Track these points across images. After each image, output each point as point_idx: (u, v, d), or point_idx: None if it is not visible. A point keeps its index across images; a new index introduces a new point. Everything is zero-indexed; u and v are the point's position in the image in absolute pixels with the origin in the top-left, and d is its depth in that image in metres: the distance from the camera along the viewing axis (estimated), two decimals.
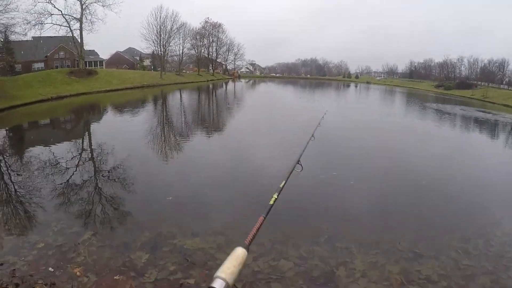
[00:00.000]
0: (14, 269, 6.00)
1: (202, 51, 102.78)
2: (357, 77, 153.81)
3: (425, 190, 11.32)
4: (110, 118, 29.99)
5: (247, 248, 1.89)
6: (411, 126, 27.98)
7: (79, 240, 7.11)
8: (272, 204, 2.45)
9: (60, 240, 7.10)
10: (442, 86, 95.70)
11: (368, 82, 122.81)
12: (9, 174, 12.37)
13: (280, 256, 6.74)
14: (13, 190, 10.59)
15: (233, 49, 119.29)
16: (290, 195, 10.55)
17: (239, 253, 1.81)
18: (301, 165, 3.69)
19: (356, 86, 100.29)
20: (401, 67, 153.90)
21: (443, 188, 11.71)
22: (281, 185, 3.03)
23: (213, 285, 1.56)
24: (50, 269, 6.03)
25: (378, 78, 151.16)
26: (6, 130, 23.62)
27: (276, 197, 2.64)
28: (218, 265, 5.45)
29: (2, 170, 13.14)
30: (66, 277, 5.78)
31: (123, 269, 6.09)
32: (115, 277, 5.82)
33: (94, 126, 25.41)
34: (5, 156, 15.85)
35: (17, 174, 12.16)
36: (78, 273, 5.88)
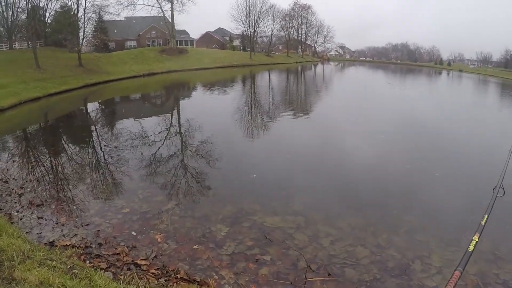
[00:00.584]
0: (99, 230, 6.46)
1: (291, 32, 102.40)
2: (449, 64, 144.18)
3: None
4: (199, 95, 31.08)
5: None
6: None
7: (163, 209, 7.49)
8: (472, 252, 1.74)
9: (144, 207, 7.52)
10: None
11: (460, 70, 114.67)
12: (100, 144, 13.32)
13: (358, 243, 6.57)
14: (103, 158, 11.39)
15: (322, 32, 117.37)
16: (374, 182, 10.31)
17: None
18: (503, 188, 3.18)
19: (448, 74, 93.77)
20: (496, 55, 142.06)
21: None
22: (482, 222, 2.40)
23: None
24: (133, 233, 6.40)
25: (471, 66, 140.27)
26: (99, 102, 25.43)
27: (477, 240, 2.01)
28: (295, 245, 5.44)
29: (93, 140, 14.19)
30: (147, 242, 6.10)
31: (202, 240, 6.30)
32: (194, 246, 6.03)
33: (183, 103, 26.52)
34: (97, 127, 17.08)
35: (108, 144, 13.04)
36: (159, 239, 6.17)
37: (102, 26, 50.99)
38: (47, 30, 43.98)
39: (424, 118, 21.20)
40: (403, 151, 13.46)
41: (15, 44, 41.84)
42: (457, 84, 62.29)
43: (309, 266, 5.72)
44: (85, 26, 40.52)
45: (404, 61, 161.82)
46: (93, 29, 48.81)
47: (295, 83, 47.67)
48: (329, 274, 5.56)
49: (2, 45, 40.34)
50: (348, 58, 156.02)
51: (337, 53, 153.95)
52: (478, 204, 8.99)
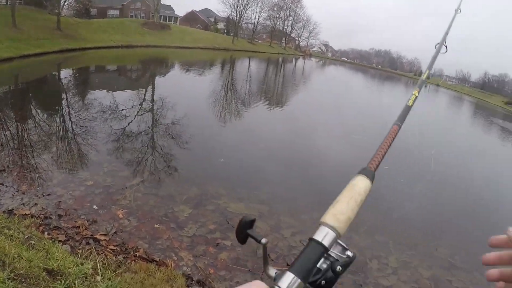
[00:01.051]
0: (60, 201, 6.32)
1: (278, 23, 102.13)
2: (428, 77, 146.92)
3: (481, 203, 10.84)
4: (176, 74, 30.73)
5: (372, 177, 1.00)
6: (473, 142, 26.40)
7: (127, 184, 7.39)
8: (411, 106, 1.28)
9: (108, 181, 7.40)
10: None
11: (438, 85, 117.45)
12: (70, 113, 13.03)
13: None
14: (71, 128, 11.13)
15: (308, 27, 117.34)
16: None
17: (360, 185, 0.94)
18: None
19: (425, 86, 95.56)
20: (475, 76, 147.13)
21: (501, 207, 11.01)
22: (424, 77, 2.20)
23: (315, 236, 0.81)
24: (95, 206, 6.30)
25: (449, 82, 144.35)
26: (73, 70, 24.87)
27: (417, 95, 1.56)
28: (257, 233, 5.54)
29: (63, 108, 13.87)
30: (108, 217, 6.02)
31: (164, 219, 6.26)
32: (155, 225, 5.99)
33: (159, 80, 26.16)
34: (68, 95, 16.71)
35: (77, 114, 12.75)
36: (120, 215, 6.11)
37: None
38: None
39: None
40: (372, 150, 13.67)
41: None
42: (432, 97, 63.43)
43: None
44: None
45: (384, 67, 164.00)
46: None
47: (274, 74, 47.59)
48: (287, 265, 5.60)
49: None
50: (330, 57, 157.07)
51: (319, 50, 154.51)
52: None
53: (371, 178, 0.90)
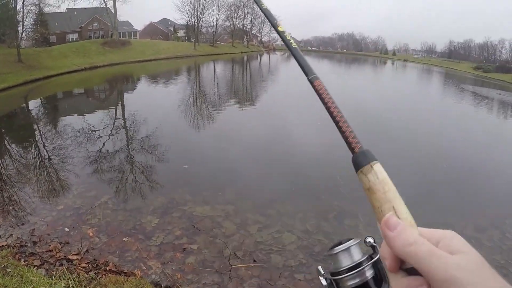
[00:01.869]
0: (34, 229, 6.55)
1: (237, 22, 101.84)
2: (394, 54, 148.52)
3: (447, 173, 11.08)
4: (143, 88, 30.74)
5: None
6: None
7: (96, 203, 7.62)
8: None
9: (78, 203, 7.63)
10: (481, 69, 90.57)
11: (405, 60, 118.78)
12: (42, 142, 13.12)
13: (285, 229, 6.96)
14: (42, 158, 11.27)
15: (268, 21, 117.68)
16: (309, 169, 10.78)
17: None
18: None
19: (393, 64, 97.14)
20: (440, 46, 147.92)
21: (470, 173, 11.46)
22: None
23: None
24: (66, 229, 6.54)
25: (415, 56, 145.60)
26: (41, 99, 24.70)
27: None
28: (222, 233, 5.73)
29: (34, 139, 13.93)
30: (79, 237, 6.26)
31: (132, 232, 6.53)
32: (124, 239, 6.26)
33: (127, 96, 26.15)
34: (38, 125, 16.70)
35: (50, 143, 12.86)
36: (90, 234, 6.37)
37: (42, 19, 48.62)
38: None
39: (365, 106, 22.00)
40: (339, 140, 14.02)
41: None
42: (401, 74, 64.32)
43: (234, 253, 6.06)
44: (24, 19, 38.69)
45: (350, 50, 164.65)
46: (33, 23, 46.44)
47: (240, 73, 47.70)
48: (254, 261, 5.90)
49: None
50: None
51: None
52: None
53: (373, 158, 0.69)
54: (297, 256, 6.12)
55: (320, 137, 13.64)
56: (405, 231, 0.60)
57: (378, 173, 0.66)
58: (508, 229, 7.62)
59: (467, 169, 11.74)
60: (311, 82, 0.86)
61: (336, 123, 0.76)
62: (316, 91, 0.83)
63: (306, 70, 0.89)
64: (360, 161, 0.68)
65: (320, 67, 62.67)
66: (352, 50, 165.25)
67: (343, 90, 28.00)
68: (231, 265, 5.74)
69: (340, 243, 0.70)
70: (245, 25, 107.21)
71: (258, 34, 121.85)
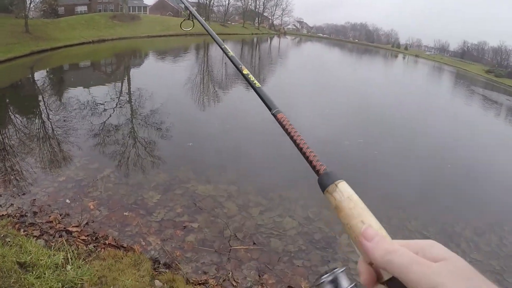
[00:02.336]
0: (35, 199, 6.51)
1: (249, 3, 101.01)
2: (406, 48, 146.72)
3: (450, 173, 10.98)
4: (151, 63, 30.57)
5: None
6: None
7: (98, 176, 7.58)
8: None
9: (80, 175, 7.59)
10: (493, 73, 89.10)
11: (416, 56, 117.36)
12: (46, 113, 13.05)
13: (287, 214, 6.92)
14: (46, 129, 11.20)
15: (281, 4, 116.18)
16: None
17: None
18: None
19: (404, 58, 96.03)
20: (453, 45, 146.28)
21: (471, 175, 11.27)
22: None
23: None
24: (67, 201, 6.50)
25: (428, 53, 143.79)
26: (47, 71, 24.58)
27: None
28: (224, 213, 5.67)
29: (39, 110, 13.86)
30: (80, 209, 6.22)
31: (134, 207, 6.49)
32: (124, 213, 6.22)
33: (134, 71, 25.99)
34: (44, 96, 16.62)
35: (54, 114, 12.79)
36: (91, 206, 6.32)
37: None
38: None
39: (371, 101, 21.81)
40: (345, 128, 13.94)
41: None
42: (412, 69, 63.44)
43: (235, 234, 6.02)
44: None
45: (361, 41, 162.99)
46: None
47: (249, 55, 47.27)
48: (254, 243, 5.86)
49: None
50: (305, 34, 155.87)
51: (294, 27, 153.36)
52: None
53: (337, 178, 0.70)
54: (297, 242, 6.08)
55: (328, 125, 13.55)
56: (384, 240, 0.59)
57: (343, 191, 0.66)
58: (506, 235, 7.53)
59: (471, 171, 11.55)
60: (275, 116, 0.95)
61: (300, 149, 0.82)
62: (280, 123, 0.92)
63: (269, 105, 1.01)
64: (325, 181, 0.70)
65: (330, 56, 62.22)
66: (364, 41, 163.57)
67: (351, 83, 27.78)
68: (231, 246, 5.71)
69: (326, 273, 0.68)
70: (257, 7, 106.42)
71: (270, 17, 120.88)
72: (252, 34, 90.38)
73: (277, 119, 0.94)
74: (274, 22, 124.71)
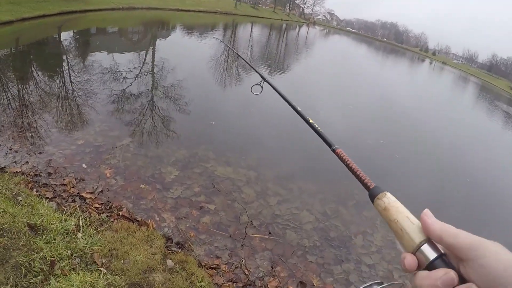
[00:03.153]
0: (51, 160, 6.36)
1: None
2: (434, 54, 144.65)
3: (470, 186, 10.63)
4: (177, 37, 30.36)
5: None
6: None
7: (117, 144, 7.42)
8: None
9: (99, 141, 7.43)
10: None
11: (443, 63, 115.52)
12: (68, 74, 12.94)
13: (304, 207, 6.71)
14: (67, 89, 11.08)
15: None
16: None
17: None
18: None
19: (430, 63, 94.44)
20: (482, 57, 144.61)
21: (492, 190, 10.91)
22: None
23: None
24: (84, 165, 6.34)
25: (455, 61, 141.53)
26: (74, 32, 24.52)
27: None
28: (242, 198, 5.46)
29: (62, 70, 13.77)
30: (96, 176, 6.06)
31: (150, 180, 6.31)
32: (141, 185, 6.05)
33: (160, 42, 25.82)
34: (68, 57, 16.54)
35: (76, 76, 12.69)
36: (108, 174, 6.16)
37: None
38: None
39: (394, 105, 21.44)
40: (368, 126, 13.61)
41: None
42: (437, 76, 62.25)
43: (251, 221, 5.83)
44: None
45: (390, 40, 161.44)
46: None
47: (276, 40, 46.81)
48: (270, 233, 5.68)
49: None
50: (335, 26, 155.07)
51: (324, 18, 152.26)
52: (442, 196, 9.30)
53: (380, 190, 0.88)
54: (312, 237, 5.88)
55: (351, 122, 13.25)
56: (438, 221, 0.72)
57: (389, 197, 0.84)
58: None
59: (490, 185, 11.19)
60: (334, 151, 1.18)
61: (354, 173, 1.03)
62: (339, 157, 1.13)
63: (329, 142, 1.25)
64: (375, 192, 0.88)
65: (357, 52, 61.42)
66: (392, 41, 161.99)
67: (377, 82, 27.31)
68: (246, 233, 5.53)
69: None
70: None
71: (301, 5, 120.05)
72: (282, 20, 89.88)
73: (336, 154, 1.16)
74: (305, 10, 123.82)
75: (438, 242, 0.70)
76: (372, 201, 0.88)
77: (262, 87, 2.48)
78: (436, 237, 0.69)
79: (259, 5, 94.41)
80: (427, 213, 0.74)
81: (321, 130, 1.38)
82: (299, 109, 1.65)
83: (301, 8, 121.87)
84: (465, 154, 13.90)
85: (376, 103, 18.53)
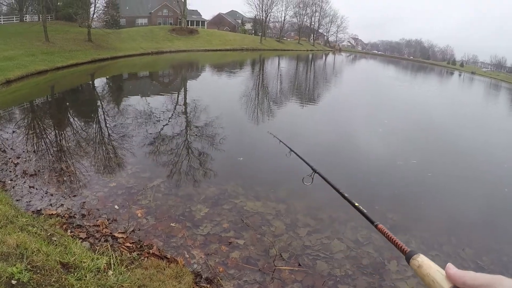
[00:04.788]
0: (85, 202, 6.66)
1: (305, 20, 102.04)
2: (462, 65, 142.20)
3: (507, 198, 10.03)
4: (207, 76, 31.16)
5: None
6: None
7: (149, 185, 7.66)
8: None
9: (131, 182, 7.71)
10: None
11: (473, 72, 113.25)
12: (103, 119, 13.51)
13: (335, 236, 6.64)
14: (101, 134, 11.57)
15: (336, 21, 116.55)
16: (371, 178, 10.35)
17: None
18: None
19: (460, 75, 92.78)
20: (510, 61, 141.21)
21: None
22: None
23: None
24: (116, 206, 6.60)
25: (484, 69, 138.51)
26: (106, 78, 25.57)
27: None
28: (271, 232, 5.48)
29: (96, 115, 14.38)
30: (127, 216, 6.27)
31: (181, 218, 6.46)
32: (171, 224, 6.20)
33: (190, 83, 26.57)
34: (102, 102, 17.25)
35: (108, 120, 13.23)
36: (139, 214, 6.37)
37: (113, 2, 51.16)
38: (58, 3, 44.02)
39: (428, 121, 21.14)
40: (398, 148, 13.48)
41: (25, 17, 42.00)
42: (467, 87, 61.15)
43: (280, 254, 5.84)
44: (96, 1, 40.50)
45: (416, 57, 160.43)
46: (104, 5, 48.73)
47: (304, 71, 47.25)
48: (299, 265, 5.64)
49: (13, 17, 40.49)
50: (360, 50, 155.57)
51: (349, 44, 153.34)
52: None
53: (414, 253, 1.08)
54: (344, 266, 5.78)
55: (384, 146, 13.15)
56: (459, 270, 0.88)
57: (423, 258, 1.01)
58: None
59: None
60: (376, 226, 1.52)
61: (393, 241, 1.33)
62: (381, 231, 1.46)
63: (371, 219, 1.60)
64: (411, 254, 1.07)
65: (385, 73, 61.15)
66: (419, 58, 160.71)
67: (406, 101, 27.00)
68: (275, 266, 5.50)
69: None
70: (313, 23, 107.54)
71: (325, 34, 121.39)
72: (307, 50, 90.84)
73: (378, 229, 1.47)
74: (329, 38, 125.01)
75: (462, 286, 0.84)
76: (408, 262, 1.06)
77: (313, 179, 2.70)
78: (460, 283, 0.85)
79: (284, 38, 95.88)
80: (449, 266, 0.90)
81: (365, 211, 1.72)
82: (346, 195, 1.99)
83: (325, 37, 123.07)
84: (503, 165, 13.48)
85: (407, 123, 18.17)
